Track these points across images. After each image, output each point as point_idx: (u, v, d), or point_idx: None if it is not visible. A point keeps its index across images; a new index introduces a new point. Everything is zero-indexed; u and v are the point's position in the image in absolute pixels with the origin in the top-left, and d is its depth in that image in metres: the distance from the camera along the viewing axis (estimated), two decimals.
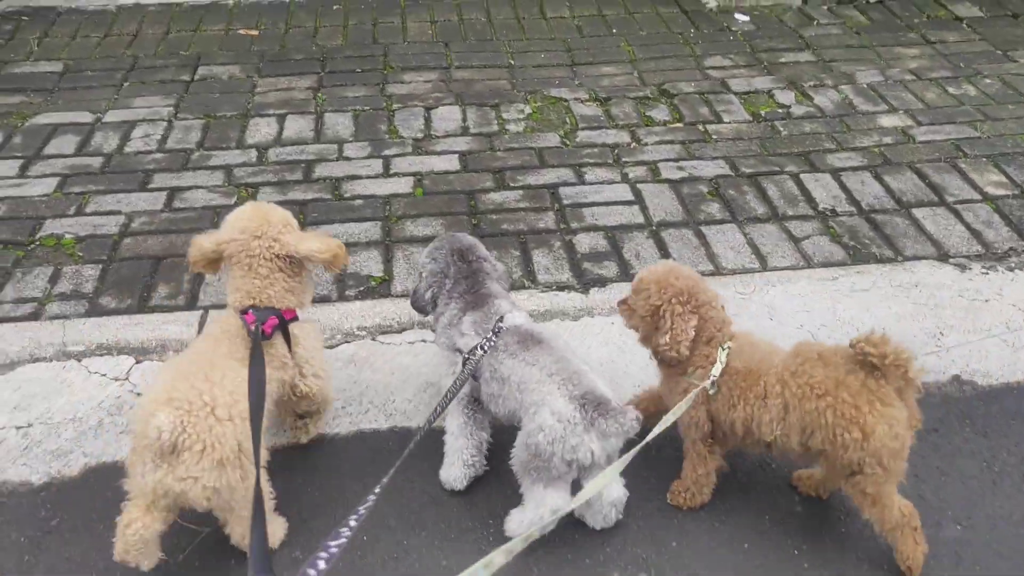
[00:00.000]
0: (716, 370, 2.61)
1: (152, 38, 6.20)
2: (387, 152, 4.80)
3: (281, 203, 3.05)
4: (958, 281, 3.81)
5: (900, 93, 5.36)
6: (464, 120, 5.12)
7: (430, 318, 3.05)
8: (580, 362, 2.65)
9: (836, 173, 4.59)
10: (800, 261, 3.96)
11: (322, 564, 1.87)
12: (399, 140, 4.93)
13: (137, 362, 3.46)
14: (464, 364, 2.73)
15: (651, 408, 2.93)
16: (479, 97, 5.37)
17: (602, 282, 3.84)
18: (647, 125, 5.07)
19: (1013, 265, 3.90)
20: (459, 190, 4.47)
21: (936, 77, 5.55)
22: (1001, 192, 4.40)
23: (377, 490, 2.14)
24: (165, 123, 5.11)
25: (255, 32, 6.31)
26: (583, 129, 5.03)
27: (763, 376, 2.57)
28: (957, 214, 4.25)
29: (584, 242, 4.09)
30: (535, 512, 2.59)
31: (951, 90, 5.39)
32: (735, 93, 5.40)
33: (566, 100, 5.35)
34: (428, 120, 5.13)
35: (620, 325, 3.47)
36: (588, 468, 2.54)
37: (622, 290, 3.62)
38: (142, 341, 3.53)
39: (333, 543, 1.93)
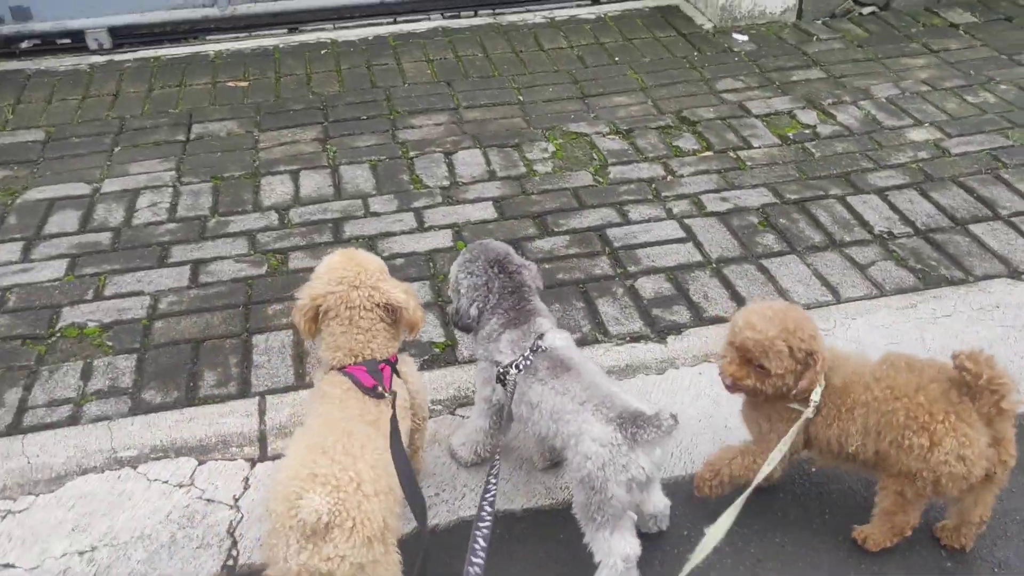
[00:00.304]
0: (816, 395, 2.53)
1: (135, 97, 5.87)
2: (416, 204, 4.57)
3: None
4: None
5: (921, 105, 5.31)
6: (488, 164, 4.91)
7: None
8: (610, 383, 2.60)
9: (881, 193, 4.49)
10: (872, 290, 3.83)
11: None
12: (426, 190, 4.69)
13: (200, 463, 3.17)
14: (499, 379, 2.72)
15: (728, 478, 2.74)
16: (497, 138, 5.17)
17: (677, 329, 3.66)
18: (677, 156, 4.92)
19: None
20: (501, 238, 4.24)
21: (951, 87, 5.51)
22: None
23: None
24: (170, 189, 4.80)
25: (245, 83, 6.03)
26: (613, 164, 4.86)
27: (854, 387, 2.53)
28: (1015, 227, 4.18)
29: (647, 287, 3.90)
30: (608, 565, 2.52)
31: (970, 99, 5.35)
32: (756, 116, 5.29)
33: (587, 135, 5.17)
34: (451, 166, 4.91)
35: (708, 375, 3.31)
36: (645, 485, 2.51)
37: (700, 336, 3.47)
38: (200, 439, 3.24)
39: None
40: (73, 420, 3.35)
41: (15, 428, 3.31)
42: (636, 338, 3.62)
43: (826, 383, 2.54)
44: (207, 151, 5.20)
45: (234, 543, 2.89)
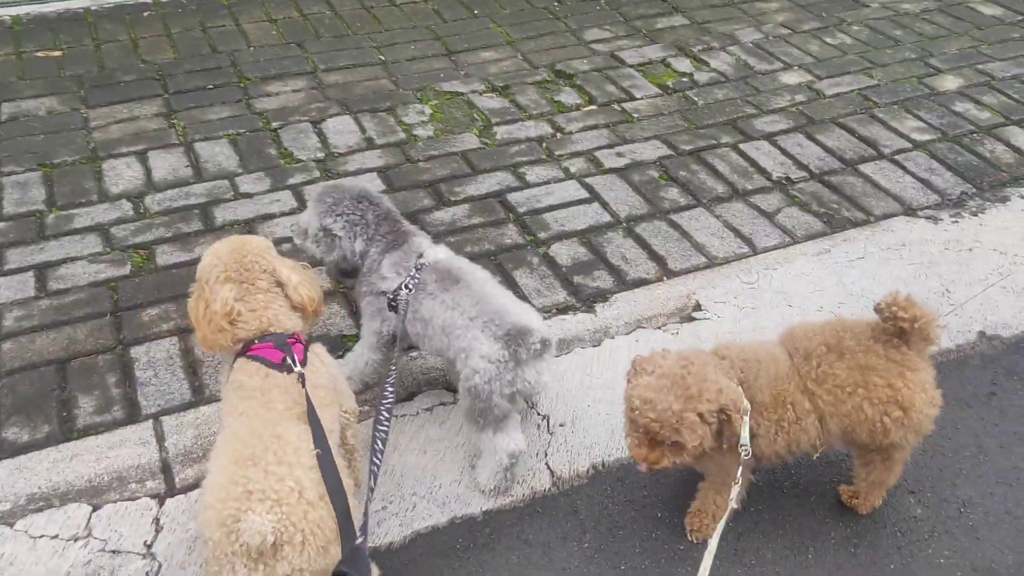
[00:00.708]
0: (744, 436, 2.26)
1: None
2: (292, 180, 4.12)
3: (190, 263, 2.45)
4: (937, 234, 3.81)
5: (786, 48, 5.36)
6: (363, 131, 4.50)
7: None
8: (500, 294, 2.66)
9: (770, 139, 4.48)
10: (784, 238, 3.80)
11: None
12: (299, 164, 4.24)
13: (94, 508, 2.68)
14: (390, 306, 2.71)
15: (710, 514, 2.59)
16: (366, 102, 4.76)
17: (603, 296, 3.48)
18: (561, 112, 4.71)
19: (974, 209, 3.97)
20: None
21: (809, 29, 5.61)
22: (927, 137, 4.49)
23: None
24: None
25: (57, 53, 5.24)
26: (498, 124, 4.59)
27: (786, 396, 2.33)
28: (899, 165, 4.28)
29: (562, 253, 3.69)
30: (494, 459, 2.64)
31: (829, 40, 5.46)
32: (631, 66, 5.16)
33: (463, 94, 4.86)
34: (322, 135, 4.47)
35: (647, 342, 3.16)
36: (530, 393, 2.65)
37: (628, 302, 3.33)
38: (89, 479, 2.75)
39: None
40: None
41: None
42: (563, 309, 3.41)
43: (751, 402, 2.29)
44: (25, 133, 4.47)
45: None
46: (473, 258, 3.54)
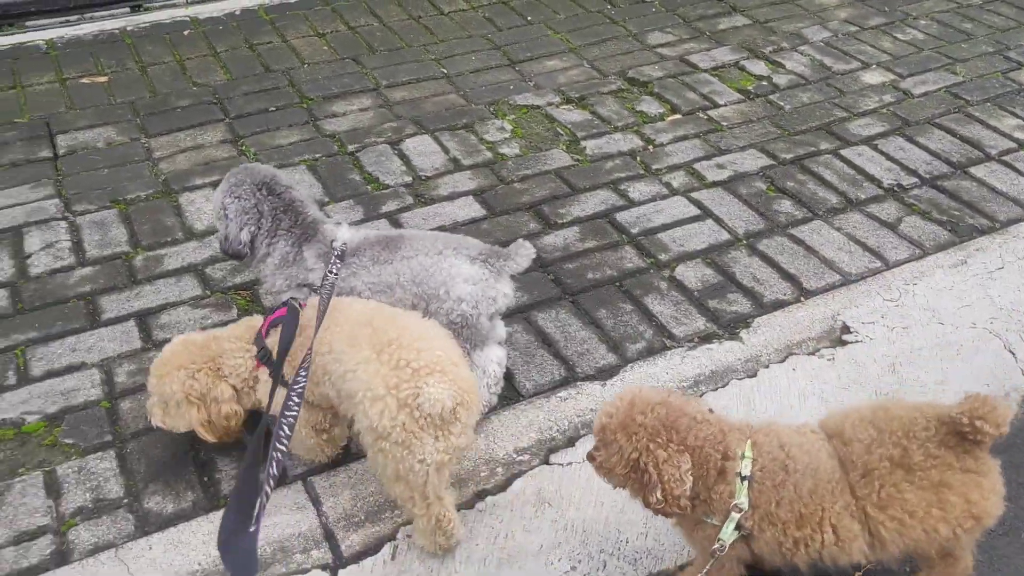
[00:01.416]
0: (726, 531, 2.08)
1: None
2: (385, 208, 3.91)
3: None
4: None
5: (859, 46, 5.23)
6: (446, 151, 4.30)
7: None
8: (447, 236, 2.82)
9: (870, 143, 4.35)
10: (914, 250, 3.67)
11: None
12: (388, 190, 4.03)
13: None
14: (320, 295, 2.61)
15: None
16: (440, 119, 4.55)
17: (744, 321, 3.32)
18: (647, 122, 4.54)
19: None
20: (505, 240, 3.70)
21: (876, 25, 5.49)
22: None
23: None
24: (62, 223, 3.83)
25: (103, 78, 4.98)
26: (585, 139, 4.41)
27: (827, 517, 2.04)
28: (1010, 166, 4.17)
29: (690, 276, 3.53)
30: (485, 376, 2.78)
31: (900, 36, 5.35)
32: (704, 71, 5.01)
33: (539, 107, 4.68)
34: (404, 158, 4.26)
35: (803, 370, 3.01)
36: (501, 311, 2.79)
37: (772, 326, 3.18)
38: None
39: None
40: (62, 557, 2.52)
41: None
42: (706, 337, 3.24)
43: (758, 508, 2.07)
44: (88, 168, 4.22)
45: None
46: (597, 285, 3.39)
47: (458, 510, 2.53)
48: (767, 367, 3.12)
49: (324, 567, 2.51)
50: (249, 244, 2.81)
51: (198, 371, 2.56)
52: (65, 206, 3.93)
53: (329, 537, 2.58)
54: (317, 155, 4.27)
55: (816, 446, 2.12)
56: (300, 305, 2.54)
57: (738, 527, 2.08)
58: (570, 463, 2.80)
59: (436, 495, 2.34)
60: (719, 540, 2.07)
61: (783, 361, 3.14)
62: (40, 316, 3.33)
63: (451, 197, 3.97)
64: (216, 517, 2.62)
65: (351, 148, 4.33)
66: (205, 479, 2.75)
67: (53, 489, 2.70)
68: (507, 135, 4.43)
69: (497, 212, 3.88)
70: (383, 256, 2.73)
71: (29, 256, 3.63)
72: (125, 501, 2.67)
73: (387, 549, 2.55)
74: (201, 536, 2.55)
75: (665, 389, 2.18)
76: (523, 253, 2.74)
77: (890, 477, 2.02)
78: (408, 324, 2.37)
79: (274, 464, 2.13)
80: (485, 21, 5.61)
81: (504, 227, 3.77)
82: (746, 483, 2.06)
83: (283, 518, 2.61)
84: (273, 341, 2.52)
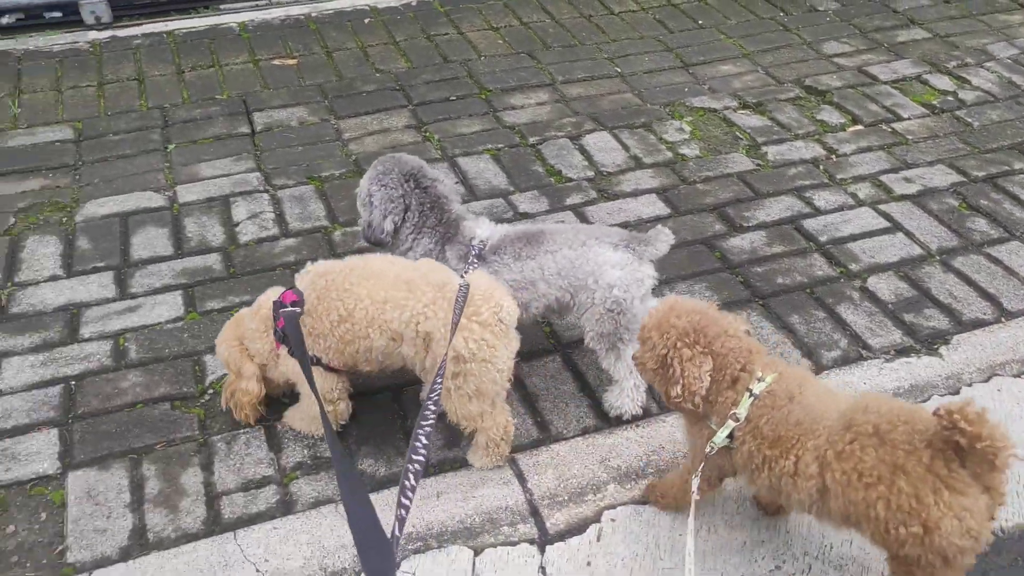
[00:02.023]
0: (720, 436, 2.25)
1: (165, 81, 4.99)
2: (570, 200, 3.98)
3: None
4: None
5: None
6: (626, 149, 4.35)
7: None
8: (586, 227, 2.85)
9: None
10: None
11: None
12: (571, 183, 4.11)
13: (475, 552, 2.57)
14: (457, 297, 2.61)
15: (673, 495, 2.57)
16: (618, 117, 4.60)
17: (943, 337, 3.25)
18: (828, 132, 4.49)
19: None
20: (691, 239, 3.73)
21: None
22: None
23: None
24: (265, 195, 4.04)
25: (293, 61, 5.22)
26: (765, 144, 4.39)
27: (796, 450, 2.12)
28: None
29: (882, 288, 3.48)
30: (631, 379, 2.81)
31: None
32: (885, 83, 4.91)
33: (716, 110, 4.67)
34: (585, 153, 4.33)
35: (1011, 391, 2.93)
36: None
37: (974, 344, 3.11)
38: (461, 519, 2.64)
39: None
40: (287, 507, 2.67)
41: (217, 524, 2.61)
42: (902, 351, 3.20)
43: (751, 417, 2.20)
44: (283, 145, 4.43)
45: None
46: (787, 290, 3.38)
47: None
48: (970, 385, 3.06)
49: (531, 541, 2.59)
50: (392, 233, 2.87)
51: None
52: (265, 179, 4.15)
53: (535, 513, 2.66)
54: (500, 145, 4.39)
55: (834, 399, 2.19)
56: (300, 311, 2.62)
57: (730, 436, 2.23)
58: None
59: (502, 404, 2.64)
60: (711, 443, 2.25)
61: (987, 381, 3.07)
62: (251, 281, 3.53)
63: (634, 194, 4.02)
64: (427, 484, 2.73)
65: (532, 140, 4.43)
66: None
67: (274, 443, 2.87)
68: (686, 136, 4.45)
69: (681, 211, 3.91)
70: (525, 252, 2.76)
71: (237, 224, 3.85)
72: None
73: (592, 530, 2.61)
74: (416, 500, 2.66)
75: (707, 302, 2.36)
76: (662, 239, 2.74)
77: (864, 439, 2.04)
78: (434, 265, 2.64)
79: (411, 476, 2.11)
80: (656, 23, 5.64)
81: (689, 227, 3.80)
82: (751, 400, 2.20)
83: (491, 491, 2.71)
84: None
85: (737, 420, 2.22)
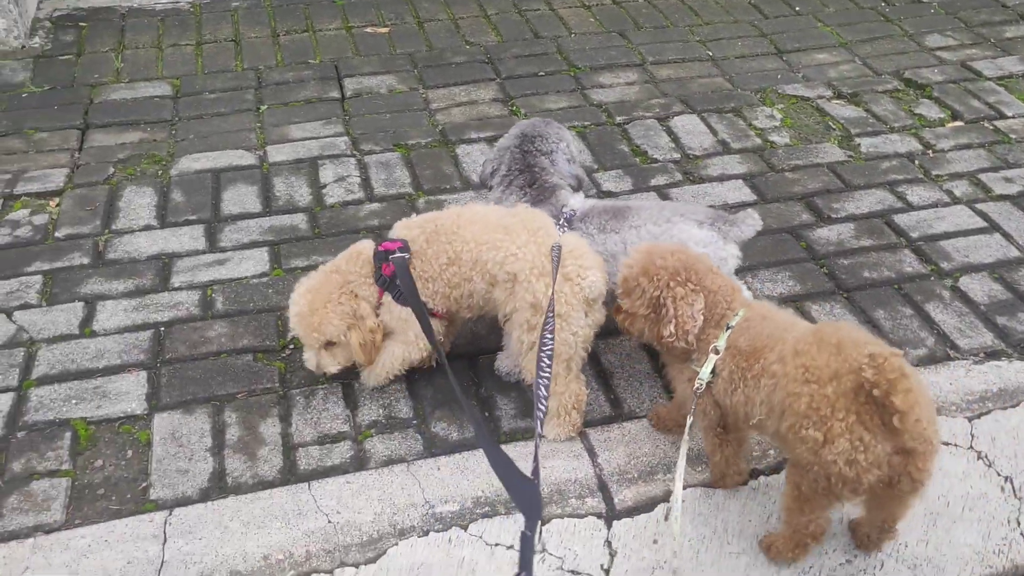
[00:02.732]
0: (705, 371, 2.34)
1: (260, 44, 5.09)
2: (654, 181, 3.95)
3: None
4: None
5: None
6: (714, 133, 4.28)
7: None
8: (673, 204, 2.87)
9: None
10: None
11: None
12: (656, 164, 4.07)
13: (542, 522, 2.57)
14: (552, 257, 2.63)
15: (669, 422, 2.72)
16: (707, 101, 4.53)
17: None
18: (926, 126, 4.35)
19: None
20: (776, 228, 3.66)
21: None
22: None
23: None
24: (352, 159, 4.10)
25: (384, 29, 5.27)
26: (859, 136, 4.27)
27: (764, 354, 2.25)
28: None
29: (975, 288, 3.36)
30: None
31: None
32: (989, 79, 4.73)
33: (809, 99, 4.56)
34: (672, 135, 4.27)
35: None
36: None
37: None
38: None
39: None
40: (360, 463, 2.73)
41: (292, 473, 2.68)
42: (993, 354, 3.09)
43: (729, 345, 2.31)
44: (371, 112, 4.49)
45: None
46: (874, 284, 3.30)
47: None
48: None
49: (599, 515, 2.60)
50: (488, 177, 3.07)
51: (340, 297, 2.71)
52: (353, 144, 4.21)
53: (603, 488, 2.66)
54: (586, 123, 4.36)
55: (798, 325, 2.30)
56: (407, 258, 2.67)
57: (713, 371, 2.32)
58: None
59: (577, 371, 2.64)
60: (699, 381, 2.33)
61: None
62: (335, 242, 3.59)
63: (720, 179, 3.96)
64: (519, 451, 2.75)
65: (619, 119, 4.39)
66: (486, 414, 2.89)
67: (351, 400, 2.92)
68: (776, 123, 4.36)
69: (768, 199, 3.84)
70: (610, 225, 2.77)
71: (324, 186, 3.92)
72: (414, 422, 2.86)
73: (660, 509, 2.61)
74: (485, 465, 2.66)
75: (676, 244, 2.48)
76: (749, 222, 2.71)
77: (824, 345, 2.10)
78: (533, 212, 2.68)
79: (539, 423, 2.24)
80: (750, 7, 5.53)
81: (775, 215, 3.73)
82: (728, 331, 2.31)
83: (560, 463, 2.72)
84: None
85: (717, 352, 2.31)
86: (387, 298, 2.74)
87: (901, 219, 3.71)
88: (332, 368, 2.82)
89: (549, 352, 2.36)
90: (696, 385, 2.35)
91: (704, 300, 2.34)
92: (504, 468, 2.13)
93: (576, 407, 2.70)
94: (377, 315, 2.78)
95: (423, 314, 2.58)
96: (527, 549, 1.84)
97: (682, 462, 2.32)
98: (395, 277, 2.66)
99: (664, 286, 2.34)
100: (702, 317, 2.34)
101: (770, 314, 2.35)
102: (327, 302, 2.70)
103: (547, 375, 2.34)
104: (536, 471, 2.10)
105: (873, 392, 1.98)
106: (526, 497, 2.02)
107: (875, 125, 4.34)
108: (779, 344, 2.23)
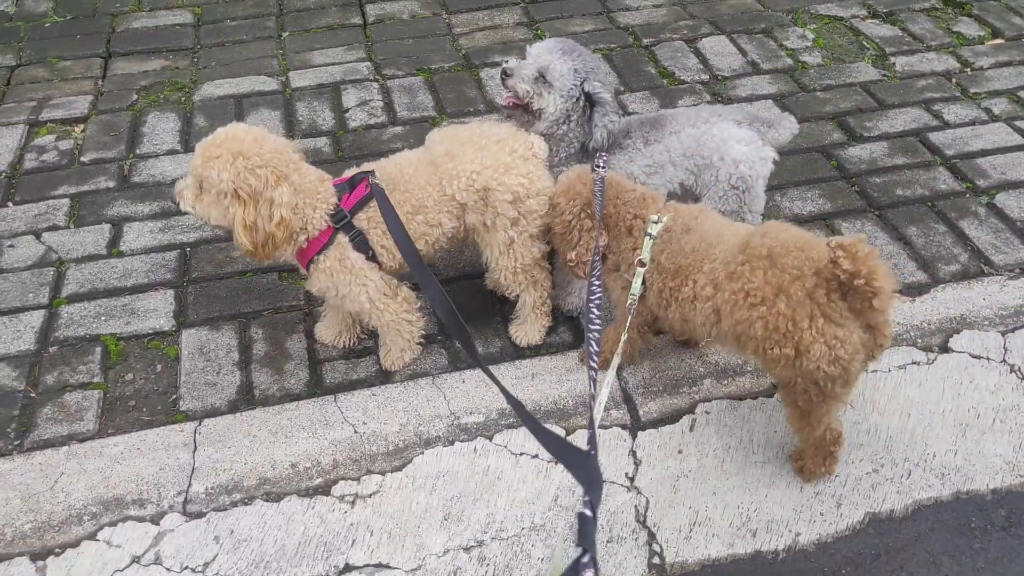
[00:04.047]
0: (636, 285, 2.36)
1: None
2: (682, 102, 3.87)
3: None
4: None
5: None
6: (744, 54, 4.17)
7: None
8: (708, 106, 2.76)
9: None
10: None
11: None
12: (684, 86, 3.98)
13: (568, 432, 2.58)
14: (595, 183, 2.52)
15: (606, 352, 2.60)
16: (737, 23, 4.41)
17: None
18: (964, 44, 4.21)
19: None
20: (806, 147, 3.58)
21: None
22: None
23: None
24: (374, 84, 4.05)
25: None
26: (894, 55, 4.15)
27: (693, 275, 2.24)
28: None
29: (1011, 205, 3.29)
30: None
31: None
32: None
33: (843, 19, 4.43)
34: (701, 56, 4.17)
35: None
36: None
37: None
38: (555, 399, 2.64)
39: None
40: (385, 377, 2.74)
41: (318, 387, 2.70)
42: None
43: (653, 257, 2.32)
44: (394, 37, 4.42)
45: (651, 535, 2.34)
46: (906, 202, 3.23)
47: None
48: None
49: (623, 426, 2.60)
50: (561, 122, 2.68)
51: (260, 167, 2.26)
52: (375, 69, 4.16)
53: (628, 400, 2.66)
54: (612, 45, 4.27)
55: (732, 228, 2.28)
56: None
57: (644, 283, 2.35)
58: (875, 370, 2.72)
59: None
60: (631, 295, 2.35)
61: None
62: (357, 164, 3.56)
63: (749, 99, 3.87)
64: (523, 366, 2.76)
65: (646, 42, 4.30)
66: (508, 334, 2.88)
67: None
68: (808, 44, 4.25)
69: (799, 118, 3.71)
70: (652, 136, 2.66)
71: (347, 111, 3.89)
72: (439, 338, 2.86)
73: (686, 420, 2.60)
74: (509, 379, 2.70)
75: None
76: (787, 124, 2.65)
77: (756, 261, 2.10)
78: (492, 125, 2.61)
79: (592, 343, 2.19)
80: None
81: (806, 134, 3.65)
82: (651, 241, 2.31)
83: (585, 376, 2.71)
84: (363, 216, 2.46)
85: (643, 265, 2.33)
86: (340, 241, 2.41)
87: (936, 137, 3.62)
88: (184, 205, 2.38)
89: (597, 302, 2.28)
90: (628, 301, 2.37)
91: (607, 235, 2.41)
92: (557, 445, 1.99)
93: (544, 310, 2.77)
94: (308, 267, 2.48)
95: (412, 249, 2.37)
96: (587, 526, 1.71)
97: (605, 392, 2.26)
98: (354, 211, 2.40)
99: (577, 214, 2.41)
100: (601, 251, 2.38)
101: (694, 224, 2.31)
102: (242, 157, 2.25)
103: (597, 327, 2.24)
104: (593, 438, 1.96)
105: (855, 282, 1.97)
106: (585, 470, 1.87)
107: (911, 44, 4.21)
108: (706, 263, 2.22)
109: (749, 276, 2.11)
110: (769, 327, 2.08)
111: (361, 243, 2.44)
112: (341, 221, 2.42)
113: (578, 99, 2.58)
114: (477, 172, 2.47)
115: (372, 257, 2.48)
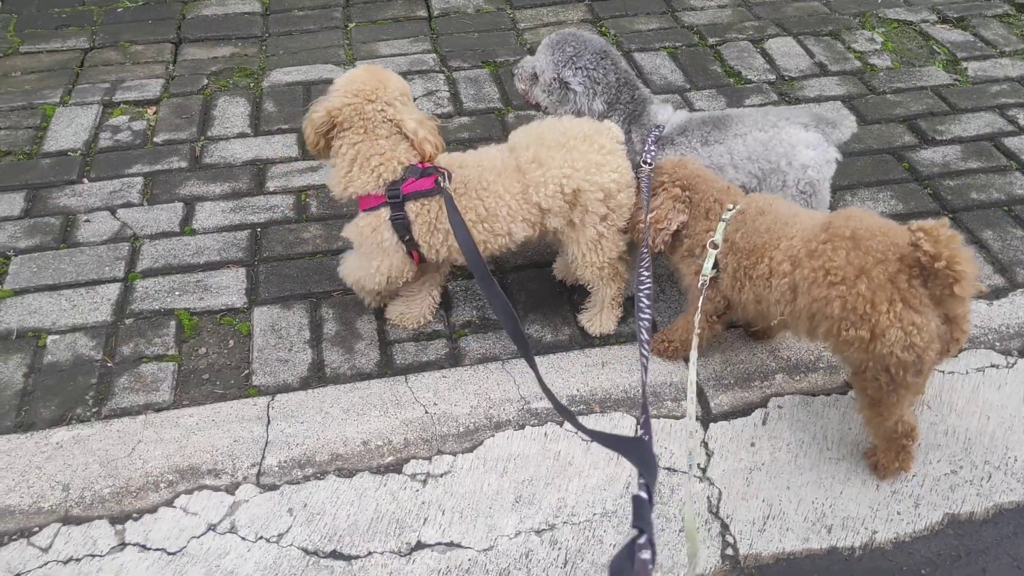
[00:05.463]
0: (707, 266, 2.37)
1: None
2: (749, 102, 3.84)
3: None
4: None
5: None
6: (811, 55, 4.14)
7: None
8: (773, 109, 2.72)
9: None
10: None
11: None
12: (751, 85, 3.96)
13: (637, 421, 2.56)
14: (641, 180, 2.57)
15: (676, 342, 2.63)
16: (803, 24, 4.38)
17: None
18: None
19: None
20: (876, 148, 3.55)
21: None
22: None
23: None
24: (440, 75, 4.07)
25: None
26: (966, 60, 4.09)
27: (770, 252, 2.24)
28: None
29: None
30: None
31: None
32: None
33: (912, 23, 4.38)
34: (767, 56, 4.15)
35: None
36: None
37: None
38: (625, 388, 2.63)
39: None
40: (454, 359, 2.75)
41: (389, 367, 2.71)
42: None
43: (726, 238, 2.34)
44: (459, 30, 4.45)
45: (724, 526, 2.32)
46: (982, 206, 3.19)
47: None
48: None
49: (695, 417, 2.57)
50: (604, 114, 2.70)
51: (369, 101, 2.42)
52: (441, 61, 4.18)
53: (699, 392, 2.64)
54: (677, 44, 4.27)
55: (809, 212, 2.30)
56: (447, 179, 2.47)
57: (715, 266, 2.36)
58: (952, 372, 2.68)
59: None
60: (703, 276, 2.36)
61: None
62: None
63: (818, 100, 3.85)
64: (593, 354, 2.75)
65: (711, 41, 4.28)
66: (581, 320, 2.88)
67: (445, 301, 2.93)
68: (877, 47, 4.21)
69: (868, 120, 3.72)
70: (713, 136, 2.64)
71: (414, 100, 3.89)
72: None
73: (758, 414, 2.58)
74: (579, 367, 2.70)
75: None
76: (847, 123, 2.63)
77: (839, 242, 2.09)
78: (574, 121, 2.56)
79: (644, 331, 2.20)
80: None
81: (876, 135, 3.61)
82: (724, 225, 2.34)
83: (657, 367, 2.70)
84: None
85: (716, 247, 2.34)
86: (382, 214, 2.48)
87: (1011, 142, 3.57)
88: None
89: (647, 291, 2.29)
90: (700, 281, 2.37)
91: (687, 216, 2.44)
92: (610, 440, 1.95)
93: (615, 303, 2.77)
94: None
95: (479, 259, 2.31)
96: (643, 508, 1.65)
97: (693, 373, 2.26)
98: (408, 197, 2.44)
99: (672, 181, 2.46)
100: (675, 226, 2.43)
101: (768, 208, 2.32)
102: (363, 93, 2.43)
103: (647, 315, 2.25)
104: (647, 423, 1.92)
105: (936, 265, 1.94)
106: (639, 454, 1.83)
107: (984, 49, 4.16)
108: (783, 241, 2.22)
109: (831, 255, 2.10)
110: (847, 307, 2.07)
111: (401, 226, 2.47)
112: (393, 197, 2.44)
113: (559, 88, 2.72)
114: (567, 176, 2.46)
115: (409, 241, 2.50)
